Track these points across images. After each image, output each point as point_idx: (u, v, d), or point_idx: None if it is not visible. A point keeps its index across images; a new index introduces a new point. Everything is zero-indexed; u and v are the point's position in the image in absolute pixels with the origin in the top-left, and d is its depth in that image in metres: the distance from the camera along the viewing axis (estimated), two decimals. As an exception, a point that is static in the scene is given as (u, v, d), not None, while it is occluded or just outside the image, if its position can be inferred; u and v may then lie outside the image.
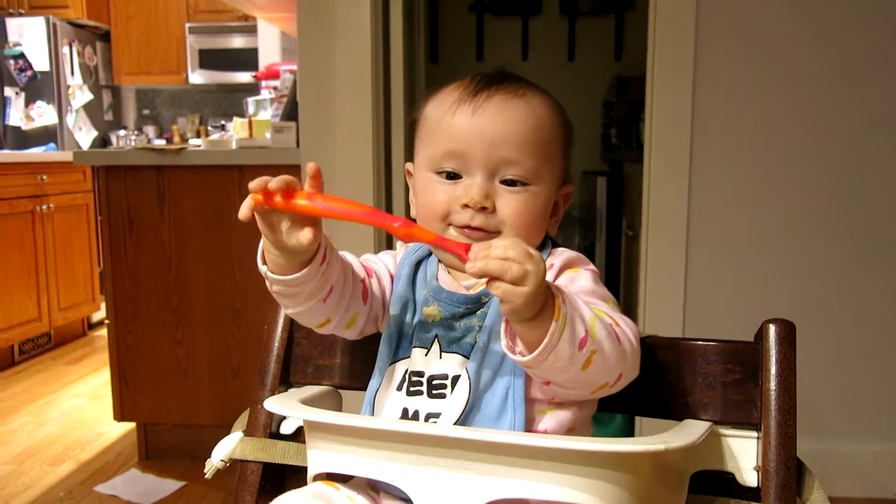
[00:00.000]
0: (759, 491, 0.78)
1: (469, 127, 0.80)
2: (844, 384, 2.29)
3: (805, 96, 2.20)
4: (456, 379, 0.78)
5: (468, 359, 0.79)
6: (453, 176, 0.82)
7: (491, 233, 0.80)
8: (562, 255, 0.83)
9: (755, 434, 0.80)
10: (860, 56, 2.18)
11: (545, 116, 0.83)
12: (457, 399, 0.77)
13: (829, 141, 2.21)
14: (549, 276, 0.79)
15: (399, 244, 0.92)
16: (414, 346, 0.82)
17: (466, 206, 0.80)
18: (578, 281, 0.80)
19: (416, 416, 0.79)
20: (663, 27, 2.20)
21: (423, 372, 0.80)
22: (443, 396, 0.78)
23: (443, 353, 0.80)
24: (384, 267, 0.89)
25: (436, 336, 0.81)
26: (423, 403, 0.79)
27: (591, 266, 0.83)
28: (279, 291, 0.78)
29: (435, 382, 0.79)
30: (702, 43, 2.19)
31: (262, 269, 0.77)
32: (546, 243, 0.86)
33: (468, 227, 0.80)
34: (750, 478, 0.80)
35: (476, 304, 0.81)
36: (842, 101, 2.19)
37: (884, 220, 2.23)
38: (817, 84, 2.20)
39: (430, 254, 0.89)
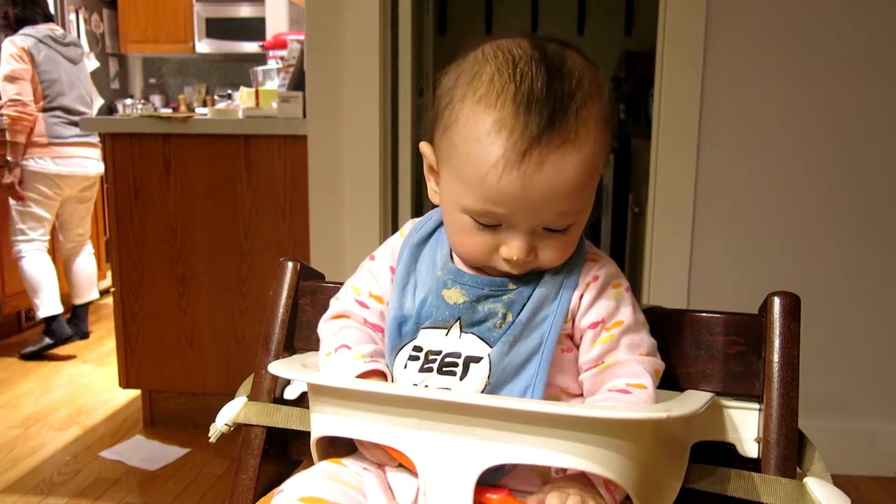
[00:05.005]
0: (759, 462, 0.78)
1: (515, 197, 0.71)
2: (847, 361, 2.29)
3: (814, 75, 2.18)
4: (470, 360, 0.77)
5: (486, 341, 0.77)
6: (492, 224, 0.75)
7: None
8: (602, 267, 0.80)
9: (757, 406, 0.81)
10: (870, 36, 2.16)
11: (597, 150, 0.73)
12: (472, 381, 0.76)
13: (837, 119, 2.20)
14: (592, 291, 0.78)
15: (407, 225, 0.89)
16: (429, 328, 0.80)
17: (508, 259, 0.76)
18: (622, 311, 0.78)
19: None
20: (674, 3, 2.18)
21: (441, 350, 0.79)
22: (452, 374, 0.77)
23: (462, 333, 0.79)
24: (383, 279, 0.86)
25: (458, 318, 0.79)
26: (432, 379, 0.78)
27: (626, 282, 0.81)
28: None
29: (447, 360, 0.78)
30: (713, 20, 2.17)
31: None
32: (582, 241, 0.82)
33: (509, 274, 0.78)
34: (751, 449, 0.80)
35: (500, 287, 0.78)
36: (849, 79, 2.18)
37: (890, 199, 2.22)
38: (826, 63, 2.18)
39: (434, 231, 0.86)
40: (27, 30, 3.31)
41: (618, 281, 0.80)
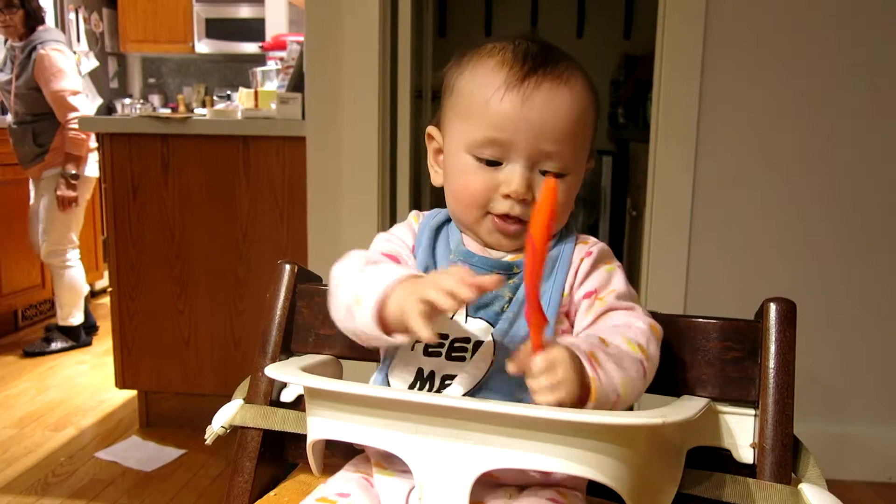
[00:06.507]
0: (754, 467, 0.78)
1: (516, 117, 0.78)
2: (844, 367, 2.29)
3: (811, 80, 2.19)
4: (478, 344, 0.79)
5: (493, 325, 0.80)
6: (493, 162, 0.81)
7: (526, 223, 0.80)
8: (595, 245, 0.85)
9: (752, 411, 0.81)
10: (867, 41, 2.16)
11: (586, 103, 0.82)
12: (478, 363, 0.78)
13: (834, 124, 2.20)
14: (586, 265, 0.82)
15: (413, 213, 0.92)
16: None
17: (508, 195, 0.80)
18: (614, 281, 0.83)
19: (431, 377, 0.80)
20: (673, 7, 2.18)
21: (447, 334, 0.81)
22: (462, 359, 0.79)
23: (468, 318, 0.81)
24: (403, 245, 0.89)
25: None
26: (439, 364, 0.80)
27: (618, 261, 0.86)
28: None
29: (456, 345, 0.80)
30: (711, 25, 2.18)
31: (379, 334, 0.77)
32: (570, 227, 0.87)
33: (507, 216, 0.81)
34: (746, 454, 0.80)
35: (507, 270, 0.82)
36: (848, 84, 2.18)
37: (887, 203, 2.22)
38: (823, 68, 2.18)
39: (445, 223, 0.89)
40: (55, 35, 3.34)
41: (609, 259, 0.85)
